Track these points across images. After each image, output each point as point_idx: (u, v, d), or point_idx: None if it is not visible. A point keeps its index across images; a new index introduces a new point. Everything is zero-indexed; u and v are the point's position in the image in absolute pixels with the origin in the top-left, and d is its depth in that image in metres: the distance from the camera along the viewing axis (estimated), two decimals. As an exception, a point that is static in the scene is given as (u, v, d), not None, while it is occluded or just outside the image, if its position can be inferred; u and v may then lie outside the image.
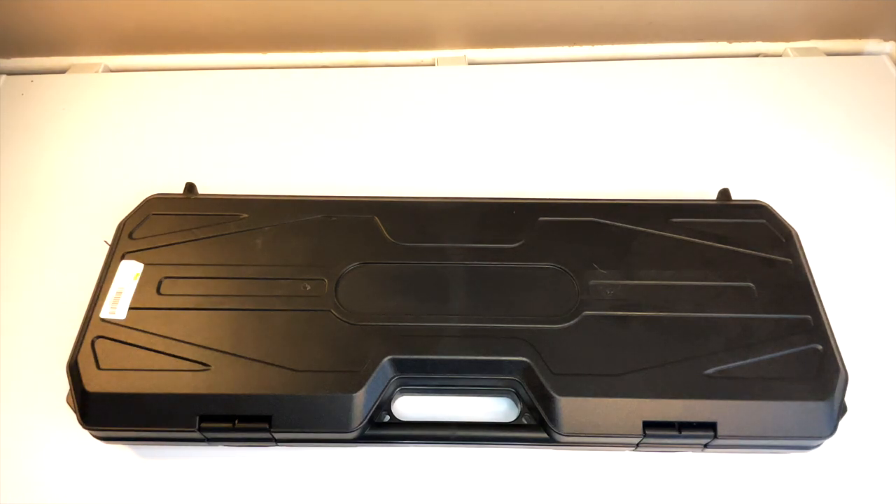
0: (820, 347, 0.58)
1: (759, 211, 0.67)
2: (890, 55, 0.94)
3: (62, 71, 0.94)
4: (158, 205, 0.67)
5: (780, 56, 0.96)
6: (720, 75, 0.90)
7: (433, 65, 0.95)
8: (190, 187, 0.70)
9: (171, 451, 0.60)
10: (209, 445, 0.58)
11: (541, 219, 0.66)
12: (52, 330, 0.65)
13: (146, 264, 0.63)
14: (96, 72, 0.94)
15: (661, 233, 0.65)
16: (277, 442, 0.57)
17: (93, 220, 0.73)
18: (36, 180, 0.80)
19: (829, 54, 0.95)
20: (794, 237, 0.65)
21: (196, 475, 0.59)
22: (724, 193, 0.69)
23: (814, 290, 0.61)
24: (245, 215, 0.66)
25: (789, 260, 0.63)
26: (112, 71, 0.95)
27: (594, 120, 0.85)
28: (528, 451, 0.60)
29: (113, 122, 0.86)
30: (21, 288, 0.70)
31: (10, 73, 0.92)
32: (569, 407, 0.55)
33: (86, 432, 0.57)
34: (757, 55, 0.97)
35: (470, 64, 0.95)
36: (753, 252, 0.63)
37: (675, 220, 0.66)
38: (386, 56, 0.96)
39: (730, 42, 0.96)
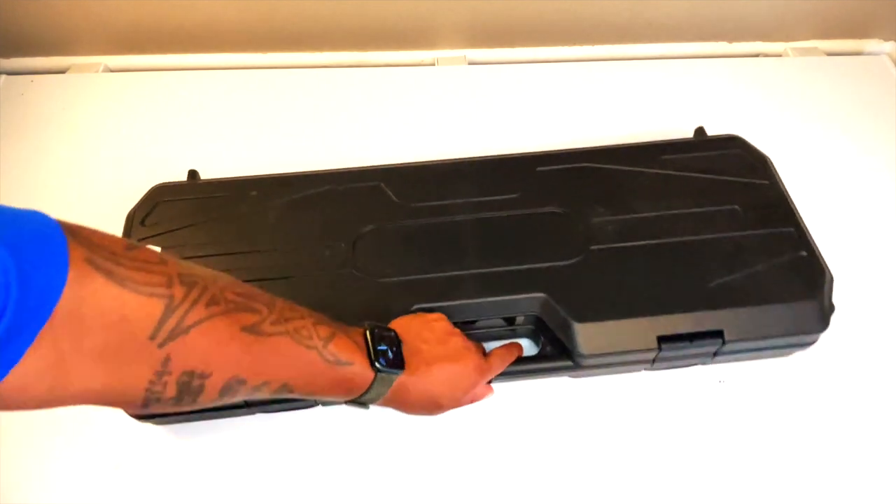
0: (805, 254, 0.62)
1: (734, 142, 0.71)
2: (890, 55, 0.94)
3: (62, 71, 0.94)
4: (165, 192, 0.68)
5: (780, 56, 0.96)
6: (720, 75, 0.90)
7: (433, 65, 0.95)
8: (193, 174, 0.71)
9: (203, 426, 0.62)
10: (246, 415, 0.61)
11: (538, 169, 0.69)
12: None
13: (162, 249, 0.63)
14: (96, 72, 0.94)
15: (650, 170, 0.69)
16: (318, 402, 0.60)
17: (93, 220, 0.72)
18: (36, 180, 0.80)
19: (829, 54, 0.95)
20: (769, 163, 0.69)
21: (237, 447, 0.61)
22: (700, 131, 0.74)
23: (792, 206, 0.66)
24: (254, 193, 0.67)
25: (767, 182, 0.68)
26: (112, 71, 0.95)
27: (594, 120, 0.85)
28: (550, 383, 0.63)
29: (113, 122, 0.86)
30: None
31: (10, 73, 0.93)
32: (587, 331, 0.59)
33: (118, 413, 0.58)
34: (757, 55, 0.97)
35: (470, 64, 0.95)
36: (735, 179, 0.68)
37: (661, 157, 0.70)
38: (386, 56, 0.96)
39: (730, 42, 0.96)
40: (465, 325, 0.60)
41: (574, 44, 0.96)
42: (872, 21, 0.94)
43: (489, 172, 0.69)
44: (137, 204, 0.67)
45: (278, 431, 0.62)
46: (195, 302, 0.37)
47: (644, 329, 0.59)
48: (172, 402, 0.38)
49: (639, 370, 0.64)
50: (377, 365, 0.48)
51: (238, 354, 0.40)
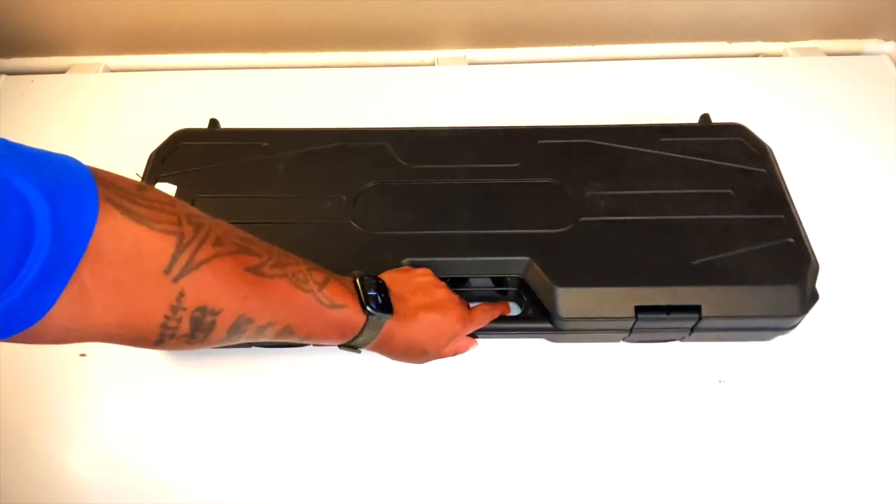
0: (792, 241, 0.63)
1: (737, 130, 0.72)
2: (890, 55, 0.94)
3: (62, 71, 0.94)
4: (187, 136, 0.72)
5: (780, 56, 0.96)
6: (720, 75, 0.90)
7: (433, 65, 0.95)
8: (213, 122, 0.74)
9: (202, 358, 0.65)
10: (240, 348, 0.64)
11: (540, 141, 0.71)
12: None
13: (179, 186, 0.67)
14: (96, 72, 0.94)
15: (650, 150, 0.70)
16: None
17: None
18: (36, 180, 0.80)
19: (829, 54, 0.95)
20: (769, 152, 0.70)
21: (226, 381, 0.65)
22: (705, 117, 0.75)
23: (786, 194, 0.66)
24: (266, 144, 0.70)
25: (764, 170, 0.68)
26: (112, 71, 0.95)
27: (594, 120, 0.85)
28: (531, 345, 0.66)
29: (113, 122, 0.86)
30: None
31: (10, 73, 0.93)
32: (567, 295, 0.60)
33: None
34: (757, 55, 0.97)
35: (470, 64, 0.95)
36: (732, 164, 0.69)
37: (661, 139, 0.71)
38: (386, 56, 0.96)
39: (730, 42, 0.96)
40: (455, 283, 0.62)
41: (574, 44, 0.96)
42: (872, 21, 0.94)
43: (492, 141, 0.71)
44: (161, 145, 0.70)
45: (259, 361, 0.65)
46: (203, 241, 0.39)
47: (623, 298, 0.60)
48: (186, 338, 0.39)
49: (616, 340, 0.65)
50: (368, 308, 0.50)
51: (245, 293, 0.41)
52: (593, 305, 0.60)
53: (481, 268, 0.63)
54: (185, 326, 0.38)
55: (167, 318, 0.37)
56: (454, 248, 0.63)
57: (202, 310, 0.39)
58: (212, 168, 0.69)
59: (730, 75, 0.90)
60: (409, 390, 0.64)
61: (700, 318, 0.60)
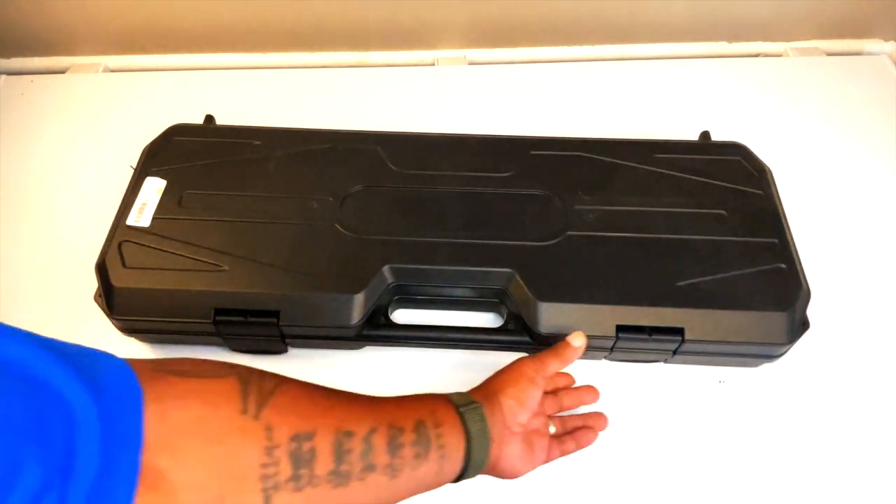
0: (784, 266, 0.61)
1: (736, 149, 0.71)
2: (890, 55, 0.94)
3: (62, 71, 0.94)
4: (181, 131, 0.72)
5: (780, 56, 0.96)
6: (720, 75, 0.90)
7: (433, 65, 0.95)
8: (209, 118, 0.75)
9: (188, 351, 0.63)
10: (223, 349, 0.64)
11: (532, 152, 0.70)
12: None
13: (169, 181, 0.67)
14: (96, 72, 0.94)
15: (644, 166, 0.69)
16: (285, 337, 0.62)
17: (92, 221, 0.73)
18: (36, 180, 0.80)
19: (829, 54, 0.95)
20: (768, 173, 0.68)
21: None
22: (705, 135, 0.73)
23: (782, 218, 0.65)
24: (258, 142, 0.71)
25: (761, 192, 0.67)
26: (112, 71, 0.95)
27: (593, 120, 0.85)
28: (511, 360, 0.62)
29: (112, 122, 0.86)
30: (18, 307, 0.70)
31: (10, 73, 0.92)
32: (548, 311, 0.60)
33: (110, 332, 0.63)
34: (757, 55, 0.97)
35: (470, 64, 0.95)
36: (728, 184, 0.67)
37: (656, 155, 0.70)
38: (386, 56, 0.96)
39: (730, 42, 0.96)
40: (438, 284, 0.62)
41: (574, 44, 0.96)
42: (872, 21, 0.94)
43: (484, 150, 0.71)
44: (154, 139, 0.71)
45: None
46: (261, 375, 0.38)
47: (605, 316, 0.59)
48: (292, 483, 0.35)
49: (598, 358, 0.64)
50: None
51: (329, 403, 0.39)
52: (574, 322, 0.59)
53: (463, 277, 0.62)
54: (285, 467, 0.35)
55: (265, 465, 0.34)
56: (437, 256, 0.62)
57: (296, 438, 0.36)
58: (202, 164, 0.68)
59: (730, 75, 0.90)
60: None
61: (683, 342, 0.58)
